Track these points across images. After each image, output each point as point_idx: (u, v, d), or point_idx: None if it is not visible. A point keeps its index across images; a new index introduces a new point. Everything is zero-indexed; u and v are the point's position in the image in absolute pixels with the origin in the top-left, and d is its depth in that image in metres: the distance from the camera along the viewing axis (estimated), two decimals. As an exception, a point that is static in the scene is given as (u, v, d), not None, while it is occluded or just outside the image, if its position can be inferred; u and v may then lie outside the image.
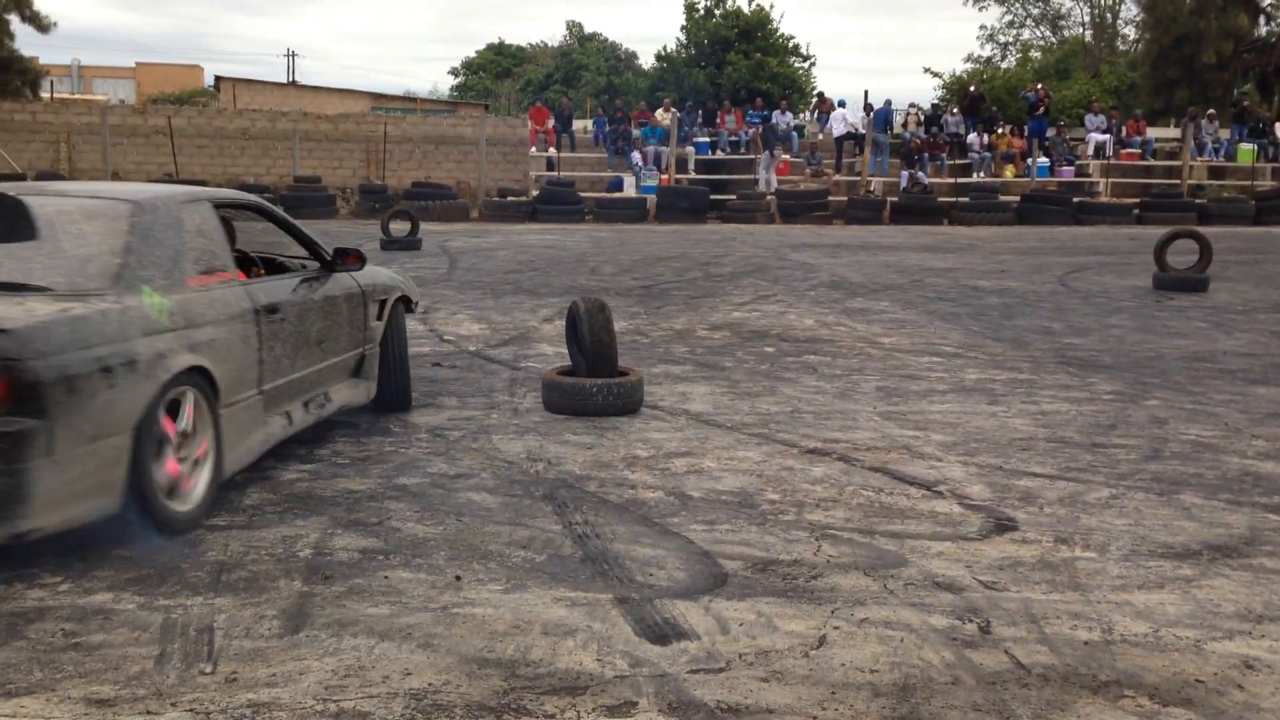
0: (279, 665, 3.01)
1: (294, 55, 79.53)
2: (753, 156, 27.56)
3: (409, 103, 41.82)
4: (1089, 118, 29.63)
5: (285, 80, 49.69)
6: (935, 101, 32.13)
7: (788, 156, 27.02)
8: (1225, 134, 29.40)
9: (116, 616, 3.31)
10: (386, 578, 3.66)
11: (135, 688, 2.88)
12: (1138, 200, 26.06)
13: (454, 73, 59.80)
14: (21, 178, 23.18)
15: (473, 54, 58.97)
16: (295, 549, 3.91)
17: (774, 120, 27.62)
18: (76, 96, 38.80)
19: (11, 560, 3.75)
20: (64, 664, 3.00)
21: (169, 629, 3.22)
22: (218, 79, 39.68)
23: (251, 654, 3.08)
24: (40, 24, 27.13)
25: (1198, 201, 26.06)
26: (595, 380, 6.05)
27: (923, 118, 28.59)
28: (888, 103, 27.96)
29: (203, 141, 25.93)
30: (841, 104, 29.13)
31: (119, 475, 3.71)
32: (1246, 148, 28.92)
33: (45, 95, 29.41)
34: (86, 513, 3.67)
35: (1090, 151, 28.79)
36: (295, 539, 4.02)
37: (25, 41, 28.86)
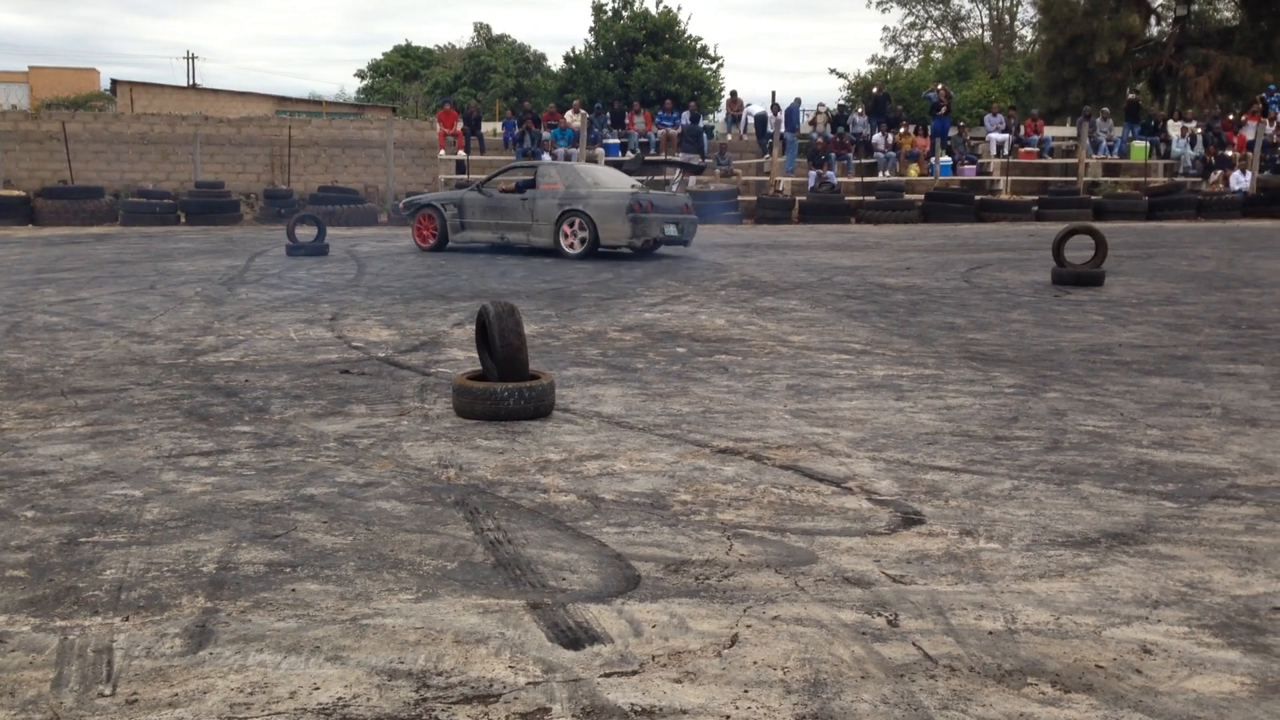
0: (181, 685, 2.94)
1: (194, 58, 77.81)
2: (663, 157, 27.67)
3: (314, 105, 41.23)
4: (989, 117, 30.34)
5: (185, 83, 48.63)
6: (841, 102, 32.60)
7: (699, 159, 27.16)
8: (1119, 132, 30.31)
9: (10, 639, 3.20)
10: (294, 590, 3.59)
11: (31, 712, 2.79)
12: (1036, 197, 26.76)
13: (360, 75, 59.16)
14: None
15: (379, 56, 58.37)
16: (198, 564, 3.83)
17: (688, 122, 27.75)
18: (-35, 101, 37.49)
19: (-102, 584, 3.61)
20: (-46, 691, 2.90)
21: (66, 651, 3.13)
22: (114, 82, 38.69)
23: (153, 674, 3.00)
24: (-76, 26, 26.18)
25: (1093, 198, 26.84)
26: (506, 385, 6.01)
27: (831, 118, 29.01)
28: (797, 101, 28.30)
29: (99, 147, 25.26)
30: (749, 105, 29.44)
31: None
32: (1139, 145, 29.85)
33: (-69, 100, 28.39)
34: None
35: (991, 150, 29.46)
36: (198, 554, 3.93)
37: (-91, 45, 27.82)
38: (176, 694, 2.89)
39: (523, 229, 16.64)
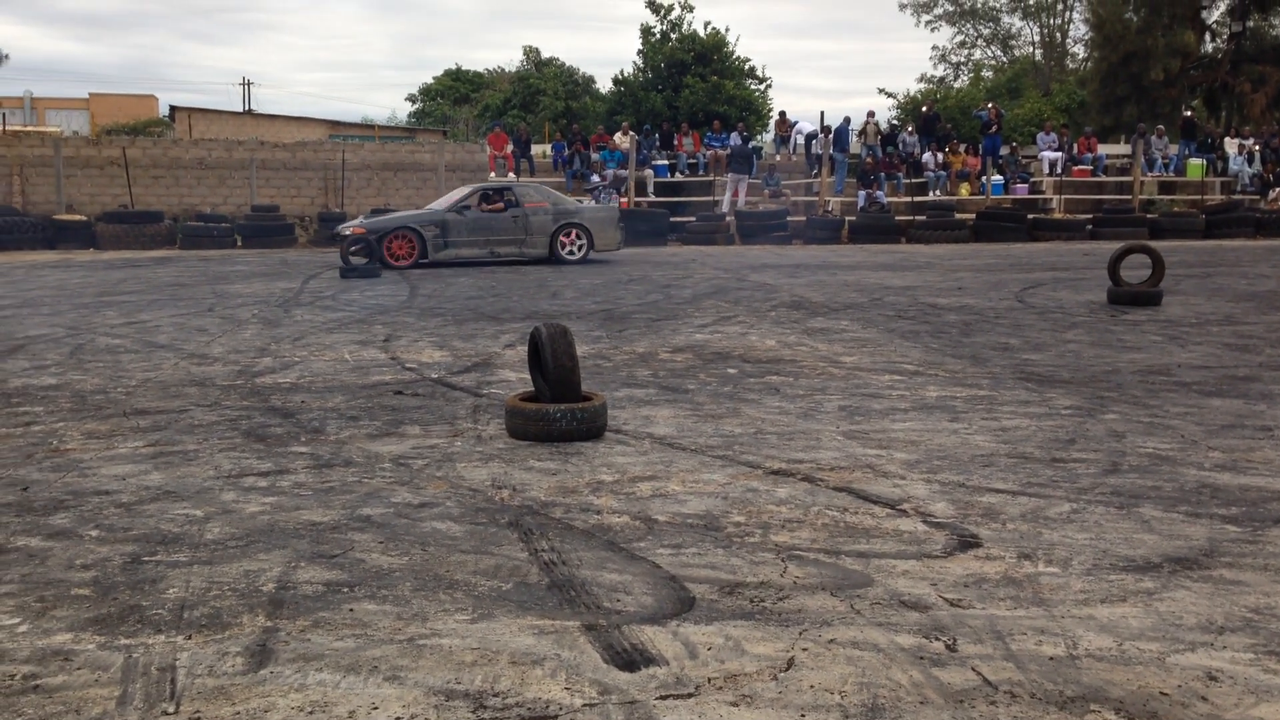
0: (243, 703, 2.97)
1: (250, 84, 78.90)
2: (712, 179, 27.72)
3: (367, 129, 41.75)
4: (1041, 136, 30.09)
5: (241, 109, 49.46)
6: (893, 121, 32.44)
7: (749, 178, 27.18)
8: (1174, 149, 29.94)
9: (77, 657, 3.26)
10: (352, 610, 3.63)
11: (97, 729, 2.83)
12: (1090, 216, 26.48)
13: (411, 99, 59.74)
14: (-27, 211, 22.90)
15: (430, 80, 58.96)
16: (258, 583, 3.87)
17: (737, 142, 27.76)
18: (29, 128, 38.38)
19: (-33, 602, 3.69)
20: (24, 707, 2.95)
21: (130, 669, 3.18)
22: (173, 109, 39.46)
23: (215, 692, 3.04)
24: (-9, 56, 26.84)
25: (1149, 216, 26.51)
26: (559, 405, 6.04)
27: (881, 132, 28.91)
28: (845, 121, 28.23)
29: (158, 172, 25.74)
30: (795, 124, 29.42)
31: None
32: (1195, 163, 29.46)
33: (-3, 127, 29.10)
34: None
35: (1044, 169, 29.20)
36: (258, 573, 3.98)
37: (-25, 74, 28.56)
38: (238, 712, 2.92)
39: (515, 243, 19.01)
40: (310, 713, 2.92)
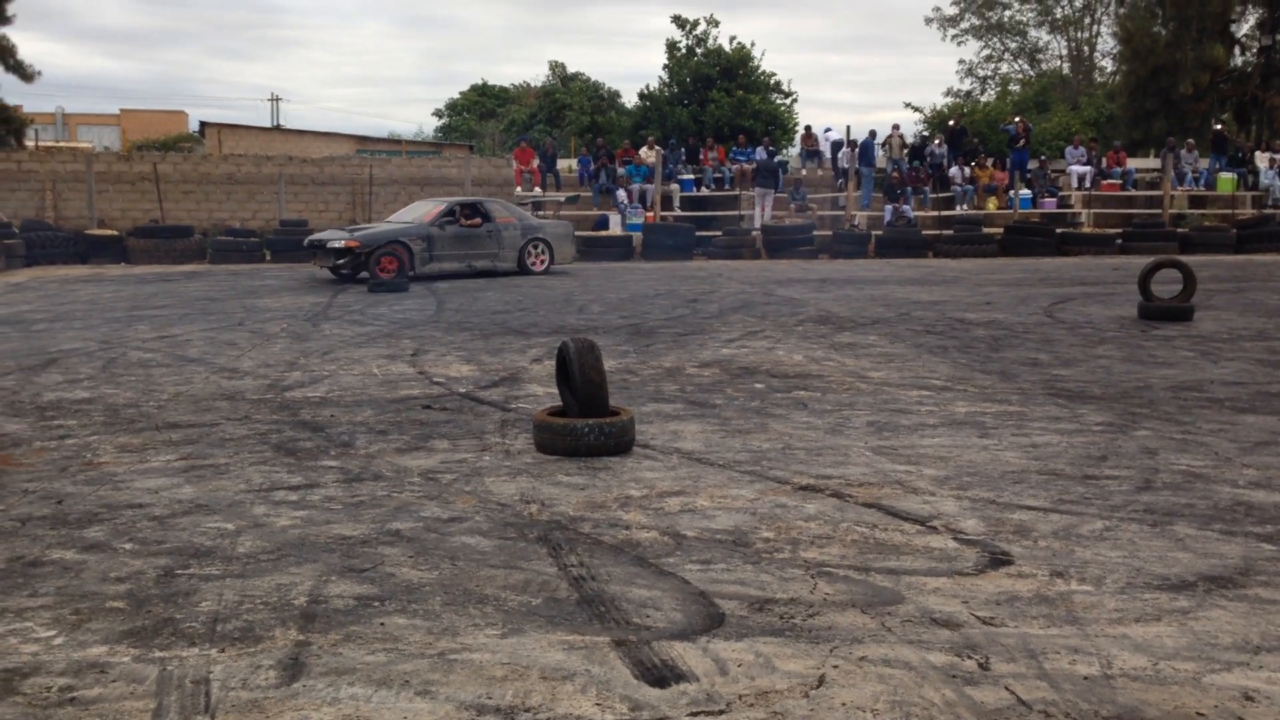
0: (277, 717, 2.99)
1: (278, 99, 79.60)
2: (738, 193, 27.73)
3: (394, 144, 41.99)
4: (1069, 149, 29.93)
5: (270, 124, 49.86)
6: (923, 133, 32.30)
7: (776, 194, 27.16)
8: (1204, 163, 29.72)
9: (112, 670, 3.29)
10: (383, 624, 3.64)
11: (132, 742, 2.85)
12: (1120, 230, 26.30)
13: (438, 114, 60.07)
14: (7, 226, 23.16)
15: (456, 95, 59.29)
16: (290, 597, 3.89)
17: (763, 157, 27.74)
18: (61, 144, 38.84)
19: (5, 615, 3.73)
20: (60, 719, 2.98)
21: (165, 681, 3.20)
22: (203, 124, 39.82)
23: (249, 705, 3.05)
24: (24, 73, 27.23)
25: (1179, 231, 26.31)
26: (587, 420, 6.05)
27: (906, 146, 28.82)
28: (871, 134, 28.18)
29: (189, 187, 25.98)
30: (828, 130, 29.39)
31: None
32: (1226, 177, 29.23)
33: (30, 144, 29.45)
34: None
35: (1072, 183, 29.05)
36: (290, 587, 4.00)
37: (9, 90, 28.97)
38: (272, 726, 2.94)
39: (489, 256, 19.52)
40: (343, 727, 2.93)
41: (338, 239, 18.31)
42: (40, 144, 31.58)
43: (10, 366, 9.31)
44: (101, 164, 26.28)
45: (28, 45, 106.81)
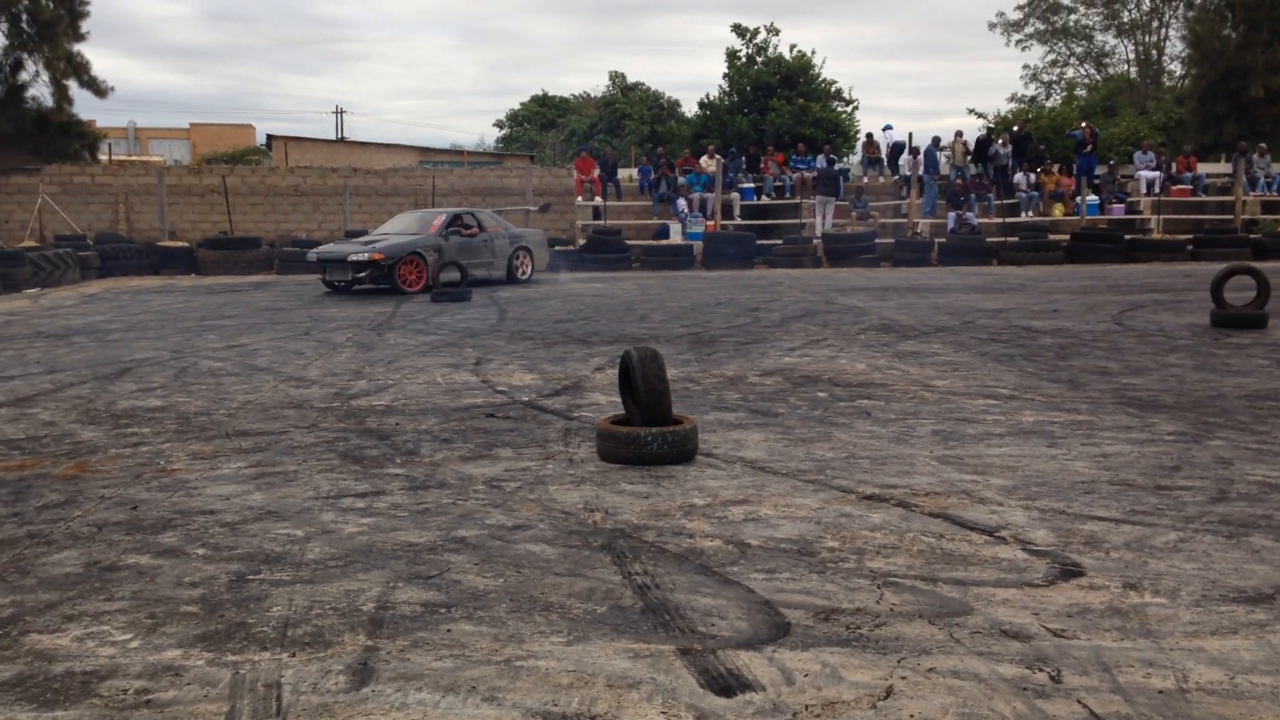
0: (347, 720, 3.02)
1: (342, 112, 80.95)
2: (799, 201, 27.62)
3: (456, 155, 42.39)
4: (1138, 155, 29.46)
5: (335, 137, 50.58)
6: (988, 126, 31.81)
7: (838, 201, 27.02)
8: (1277, 168, 29.09)
9: (186, 673, 3.35)
10: (449, 630, 3.67)
11: (206, 744, 2.90)
12: (1190, 236, 25.82)
13: (499, 125, 60.61)
14: (82, 239, 23.71)
15: (517, 106, 59.78)
16: (358, 603, 3.94)
17: (824, 165, 27.61)
18: (133, 158, 39.69)
19: (82, 618, 3.81)
20: (136, 721, 3.04)
21: (238, 685, 3.25)
22: (270, 137, 40.49)
23: (319, 709, 3.09)
24: (98, 89, 27.86)
25: (1252, 236, 25.77)
26: (650, 429, 6.05)
27: (969, 151, 28.52)
28: (934, 141, 27.94)
29: (256, 199, 26.42)
30: (887, 127, 29.16)
31: None
32: (1300, 181, 28.56)
33: (103, 158, 30.13)
34: None
35: (1141, 189, 28.58)
36: (358, 593, 4.04)
37: (83, 105, 29.65)
38: (342, 730, 2.97)
39: (485, 265, 19.90)
40: (411, 732, 2.96)
41: (359, 253, 18.25)
42: (113, 158, 32.29)
43: (86, 375, 9.53)
44: (172, 177, 26.83)
45: (101, 61, 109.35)
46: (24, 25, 26.58)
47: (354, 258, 18.19)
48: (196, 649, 3.53)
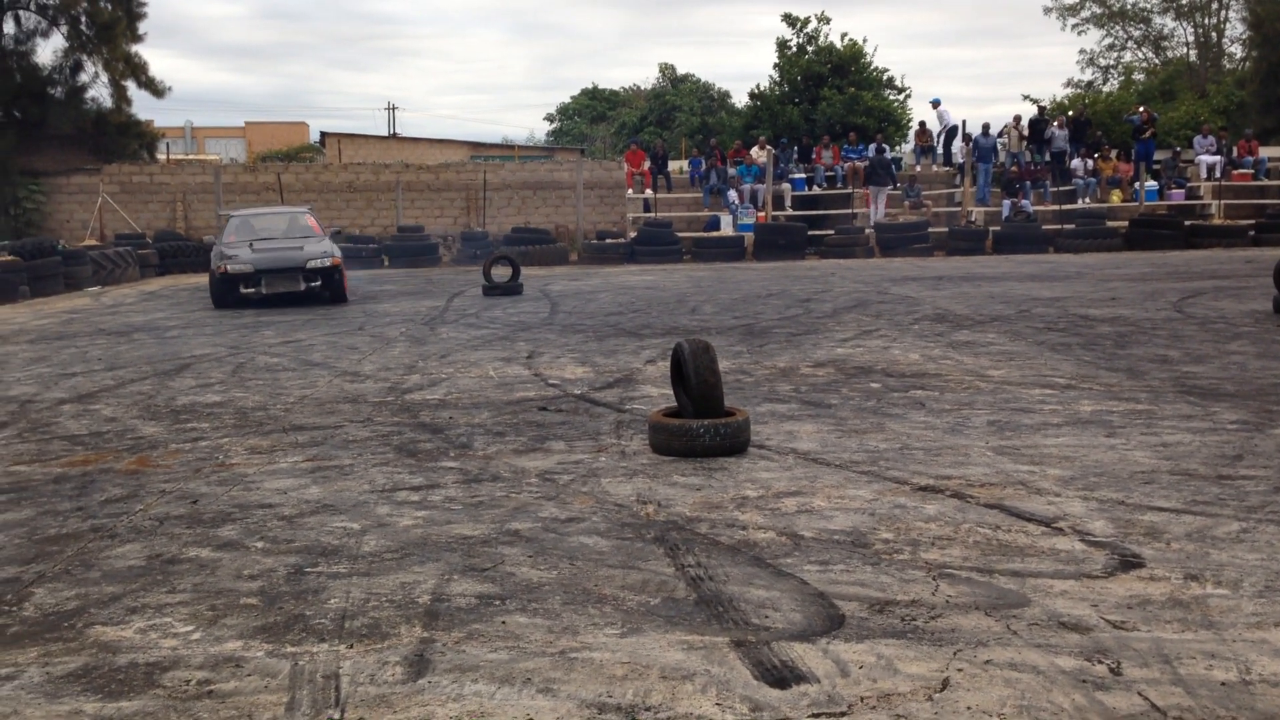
0: (404, 711, 3.06)
1: (394, 108, 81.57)
2: (850, 191, 27.43)
3: (506, 150, 42.55)
4: (1198, 139, 28.90)
5: (387, 133, 50.98)
6: (1043, 106, 31.28)
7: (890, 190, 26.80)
8: (1342, 150, 28.41)
9: (247, 664, 3.40)
10: (504, 622, 3.69)
11: (266, 734, 2.95)
12: (1252, 222, 25.30)
13: (549, 118, 60.82)
14: (141, 237, 24.11)
15: (567, 99, 59.91)
16: (414, 595, 3.98)
17: (875, 154, 27.38)
18: (190, 157, 40.28)
19: (145, 611, 3.88)
20: (199, 712, 3.09)
21: (297, 676, 3.30)
22: (323, 134, 40.89)
23: (377, 700, 3.13)
24: (156, 89, 28.29)
25: (1316, 220, 25.18)
26: (702, 421, 6.05)
27: (1025, 136, 28.13)
28: (985, 127, 27.58)
29: (310, 195, 26.71)
30: (935, 102, 28.82)
31: None
32: (1366, 163, 27.89)
33: (161, 157, 30.61)
34: None
35: (1201, 173, 28.05)
36: (413, 585, 4.08)
37: (142, 106, 30.10)
38: (399, 721, 3.00)
39: None
40: (467, 723, 2.98)
41: (318, 258, 15.67)
42: (171, 157, 32.79)
43: (146, 371, 9.69)
44: (228, 175, 27.20)
45: (158, 62, 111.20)
46: (83, 27, 27.05)
47: (314, 264, 15.59)
48: (256, 640, 3.58)
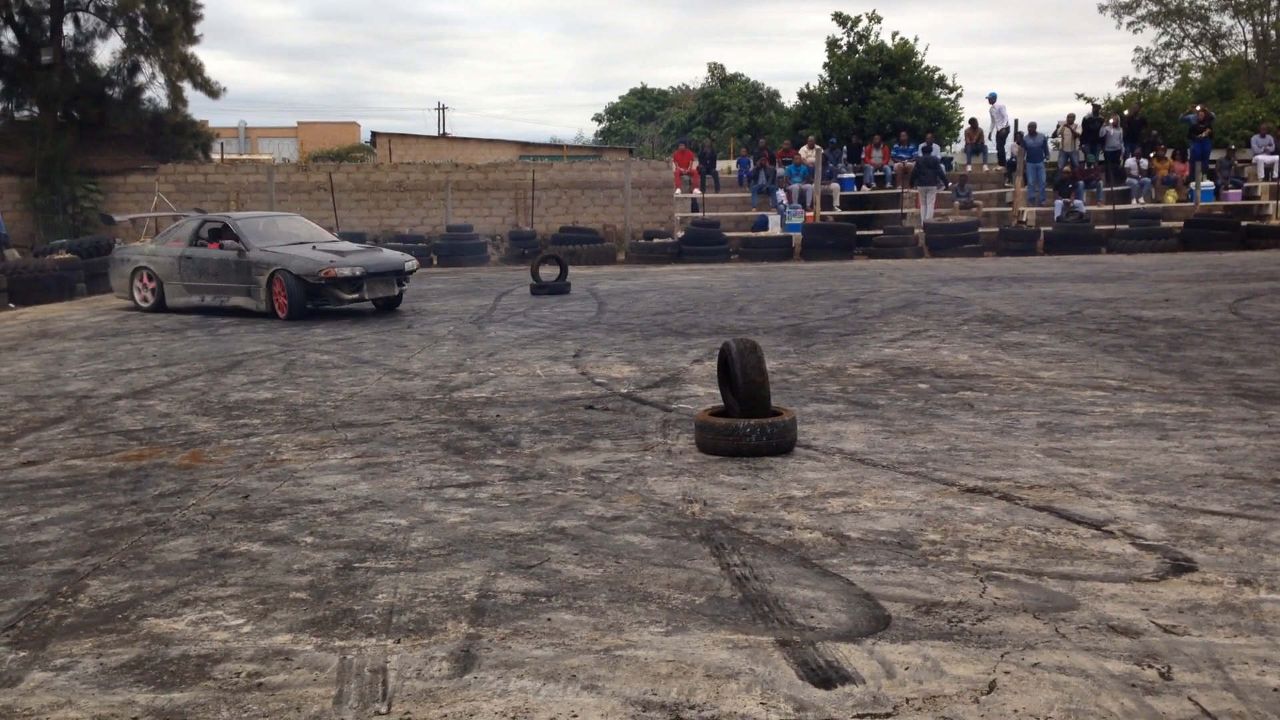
0: (450, 706, 3.08)
1: (444, 108, 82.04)
2: (899, 191, 27.25)
3: (555, 149, 42.67)
4: (1255, 139, 28.38)
5: (437, 133, 51.34)
6: (1097, 105, 30.85)
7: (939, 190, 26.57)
8: (1405, 149, 27.77)
9: (296, 658, 3.44)
10: (549, 620, 3.71)
11: (315, 726, 2.98)
12: (1312, 222, 24.80)
13: (598, 118, 60.89)
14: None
15: (616, 99, 60.01)
16: (460, 591, 4.01)
17: (930, 152, 27.15)
18: (244, 156, 40.80)
19: (197, 603, 3.95)
20: (249, 704, 3.14)
21: (345, 670, 3.34)
22: (374, 134, 41.24)
23: (423, 695, 3.16)
24: (211, 90, 28.67)
25: (1378, 221, 24.65)
26: (748, 421, 6.04)
27: (1078, 135, 27.77)
28: (1032, 127, 27.25)
29: (361, 195, 26.96)
30: (992, 97, 28.52)
31: None
32: None
33: (216, 157, 31.02)
34: None
35: (1259, 173, 27.56)
36: (460, 581, 4.12)
37: (197, 106, 30.50)
38: (445, 715, 3.03)
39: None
40: (513, 718, 3.01)
41: (409, 260, 14.69)
42: (225, 157, 33.24)
43: (200, 369, 9.84)
44: (281, 175, 27.52)
45: (213, 64, 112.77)
46: (141, 29, 27.47)
47: (409, 265, 14.64)
48: (305, 634, 3.63)
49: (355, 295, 13.90)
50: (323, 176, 27.32)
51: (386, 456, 6.25)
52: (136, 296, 15.23)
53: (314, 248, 14.53)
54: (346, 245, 15.48)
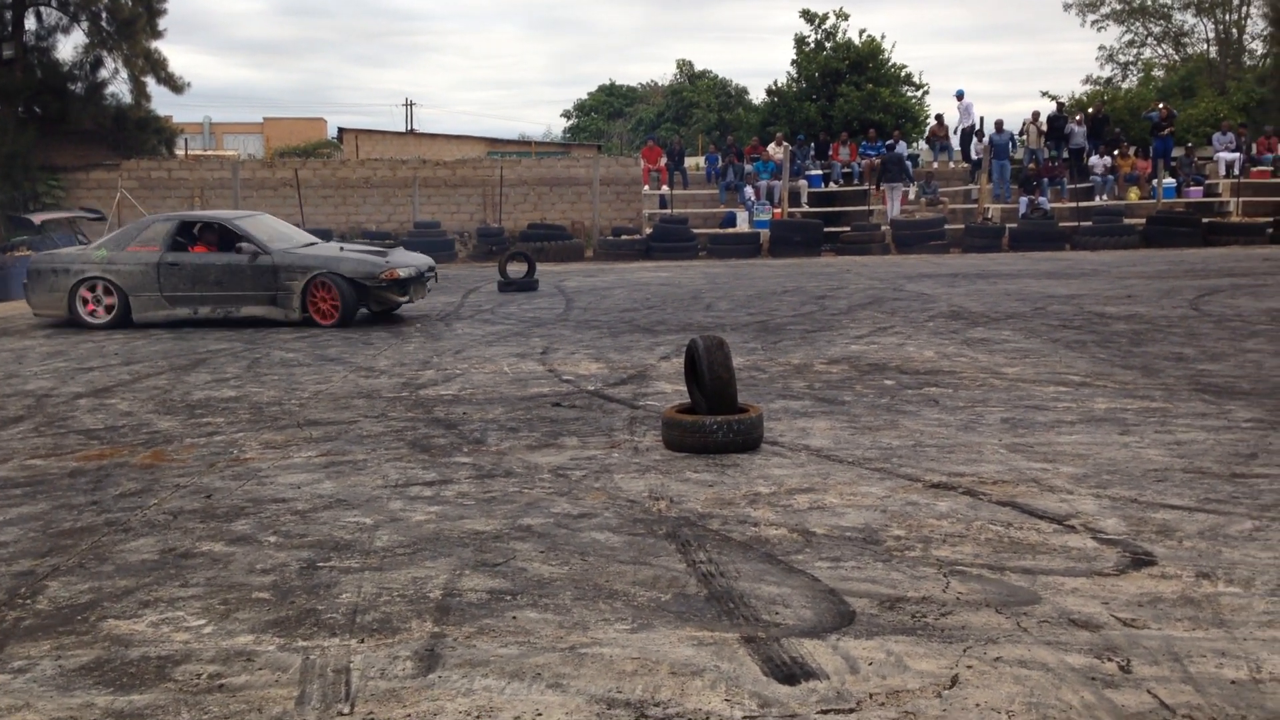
0: (414, 706, 3.07)
1: (412, 104, 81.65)
2: (866, 188, 27.36)
3: (523, 146, 42.57)
4: (1217, 136, 28.70)
5: (404, 129, 51.07)
6: (1062, 103, 31.09)
7: (905, 187, 26.70)
8: (1364, 147, 28.16)
9: (258, 658, 3.42)
10: (514, 618, 3.71)
11: (277, 727, 2.96)
12: (1271, 219, 25.12)
13: (566, 115, 60.81)
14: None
15: (585, 96, 59.96)
16: (425, 590, 3.99)
17: (899, 149, 27.26)
18: (209, 152, 40.46)
19: (158, 604, 3.91)
20: (209, 705, 3.11)
21: (308, 670, 3.32)
22: (341, 130, 40.99)
23: (387, 695, 3.14)
24: (175, 85, 28.38)
25: (1336, 218, 24.99)
26: (715, 417, 6.05)
27: (1043, 133, 27.98)
28: (997, 124, 27.45)
29: (327, 191, 26.79)
30: (959, 94, 28.68)
31: None
32: (1386, 161, 27.66)
33: (180, 153, 30.74)
34: None
35: (1220, 171, 27.87)
36: (425, 580, 4.10)
37: (161, 102, 30.19)
38: (409, 715, 3.02)
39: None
40: (477, 717, 3.00)
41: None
42: (189, 153, 32.94)
43: (162, 366, 9.75)
44: (246, 171, 27.30)
45: (178, 58, 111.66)
46: (104, 24, 27.17)
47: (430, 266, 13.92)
48: (268, 635, 3.60)
49: (406, 298, 13.09)
50: (289, 173, 27.13)
51: (352, 455, 6.22)
52: (82, 312, 12.96)
53: (341, 249, 13.57)
54: (371, 246, 15.04)
